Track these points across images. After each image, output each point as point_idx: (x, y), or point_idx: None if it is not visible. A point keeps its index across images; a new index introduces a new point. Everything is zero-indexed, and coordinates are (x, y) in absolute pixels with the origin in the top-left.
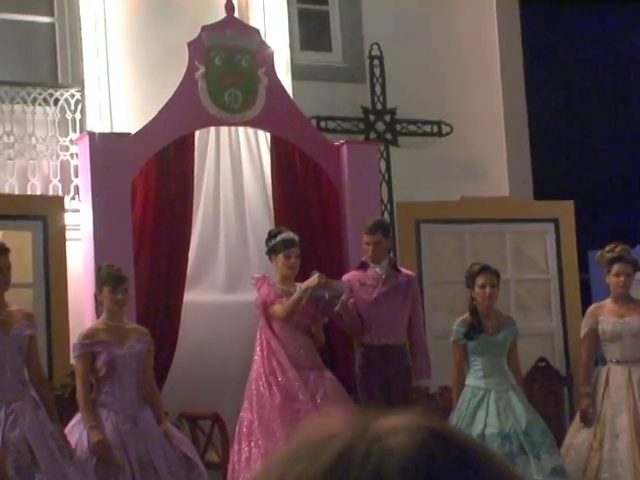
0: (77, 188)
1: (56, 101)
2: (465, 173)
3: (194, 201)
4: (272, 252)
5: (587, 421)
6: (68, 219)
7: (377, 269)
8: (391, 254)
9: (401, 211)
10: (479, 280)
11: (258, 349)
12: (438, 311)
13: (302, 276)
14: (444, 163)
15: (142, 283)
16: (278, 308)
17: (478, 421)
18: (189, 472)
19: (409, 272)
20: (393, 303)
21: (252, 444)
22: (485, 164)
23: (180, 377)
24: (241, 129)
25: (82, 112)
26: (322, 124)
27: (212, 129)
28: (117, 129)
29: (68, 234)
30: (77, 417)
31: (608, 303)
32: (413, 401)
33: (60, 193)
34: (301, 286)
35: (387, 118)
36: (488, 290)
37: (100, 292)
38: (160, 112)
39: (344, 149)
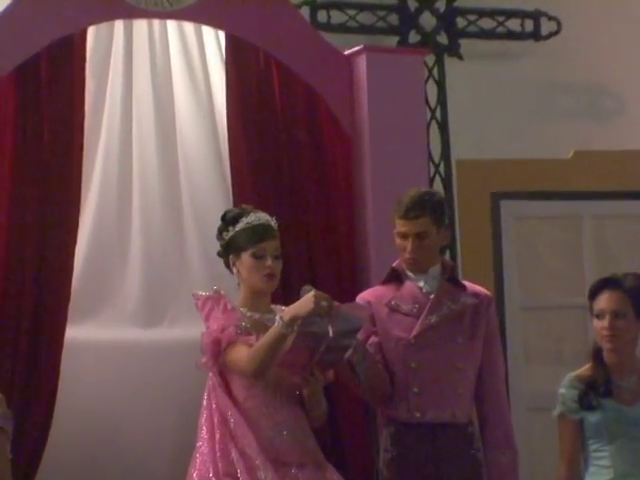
0: None
1: None
2: (582, 107)
3: (85, 157)
4: (230, 250)
5: None
6: None
7: (420, 283)
8: (446, 256)
9: (465, 176)
10: (596, 304)
11: (204, 429)
12: (533, 362)
13: (284, 295)
14: (544, 88)
15: None
16: (241, 354)
17: None
18: None
19: (480, 289)
20: (449, 346)
21: None
22: (620, 92)
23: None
24: (172, 25)
25: None
26: (320, 16)
27: (119, 25)
28: None
29: None
30: None
31: None
32: None
33: None
34: (284, 314)
35: (440, 6)
36: (607, 322)
37: None
38: None
39: (362, 62)
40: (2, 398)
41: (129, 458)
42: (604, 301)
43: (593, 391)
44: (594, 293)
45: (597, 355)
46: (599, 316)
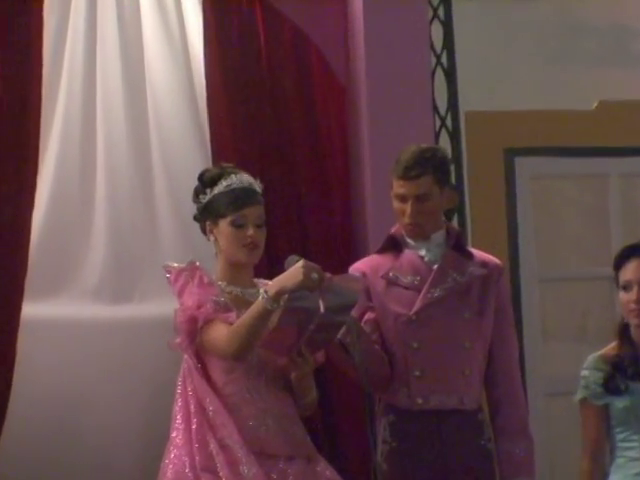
0: None
1: None
2: (608, 52)
3: (43, 108)
4: (207, 215)
5: None
6: None
7: (422, 251)
8: (454, 221)
9: (476, 130)
10: (623, 274)
11: (179, 418)
12: (552, 340)
13: (270, 267)
14: (564, 31)
15: None
16: (220, 333)
17: None
18: None
19: (489, 258)
20: (455, 323)
21: None
22: None
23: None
24: None
25: None
26: None
27: None
28: None
29: None
30: None
31: None
32: None
33: None
34: (268, 288)
35: None
36: (635, 294)
37: None
38: None
39: (357, 1)
40: None
41: (93, 450)
42: (631, 271)
43: (620, 373)
44: (620, 262)
45: (624, 332)
46: (626, 288)
